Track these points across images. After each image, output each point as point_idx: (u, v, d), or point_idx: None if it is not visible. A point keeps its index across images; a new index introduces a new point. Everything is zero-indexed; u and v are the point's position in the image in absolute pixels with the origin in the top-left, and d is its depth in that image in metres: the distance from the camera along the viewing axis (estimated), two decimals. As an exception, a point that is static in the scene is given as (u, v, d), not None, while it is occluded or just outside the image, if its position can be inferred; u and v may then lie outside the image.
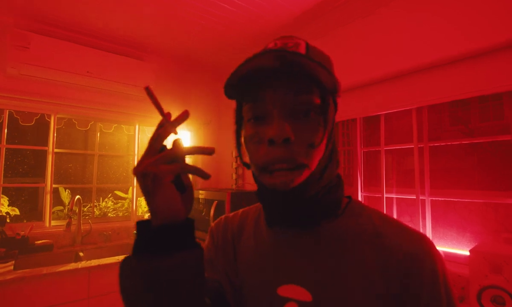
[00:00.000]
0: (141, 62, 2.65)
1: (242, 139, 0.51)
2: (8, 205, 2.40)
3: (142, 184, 0.42)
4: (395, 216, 2.01)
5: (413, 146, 1.82)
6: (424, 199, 1.77)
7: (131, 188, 2.92)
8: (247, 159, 0.51)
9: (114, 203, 2.85)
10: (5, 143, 2.30)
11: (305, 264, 0.48)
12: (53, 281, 1.83)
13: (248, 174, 2.97)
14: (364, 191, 2.12)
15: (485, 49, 1.45)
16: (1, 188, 2.31)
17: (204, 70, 3.24)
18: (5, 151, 2.34)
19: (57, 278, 1.84)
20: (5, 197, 2.38)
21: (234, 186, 3.01)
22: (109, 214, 2.85)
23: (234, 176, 3.01)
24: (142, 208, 2.97)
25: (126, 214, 2.91)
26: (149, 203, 0.43)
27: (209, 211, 2.39)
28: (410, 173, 1.80)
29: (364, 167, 2.14)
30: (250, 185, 2.89)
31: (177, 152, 0.42)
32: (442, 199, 1.76)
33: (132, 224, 2.75)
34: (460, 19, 1.51)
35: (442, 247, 1.70)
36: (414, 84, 1.73)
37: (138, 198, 2.98)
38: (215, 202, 2.49)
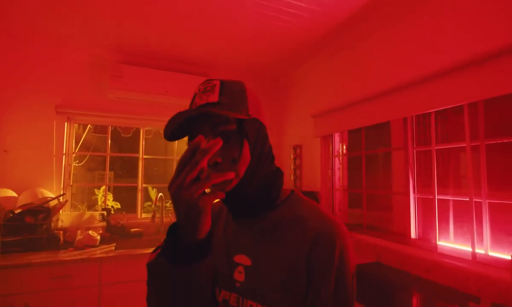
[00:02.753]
0: (206, 78, 3.04)
1: None
2: (113, 200, 3.07)
3: (184, 210, 0.50)
4: (451, 220, 1.89)
5: (465, 145, 1.70)
6: (481, 202, 1.65)
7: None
8: None
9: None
10: (109, 152, 2.97)
11: (250, 240, 0.67)
12: (143, 261, 2.30)
13: (306, 175, 3.09)
14: (419, 192, 2.03)
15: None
16: (107, 187, 2.98)
17: (263, 80, 3.51)
18: (115, 158, 3.00)
19: (146, 259, 2.31)
20: (110, 194, 3.05)
21: (292, 188, 3.17)
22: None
23: (292, 177, 3.18)
24: (212, 205, 3.37)
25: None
26: (188, 224, 0.51)
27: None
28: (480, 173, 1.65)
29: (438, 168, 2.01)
30: (308, 186, 3.01)
31: (218, 177, 0.52)
32: (505, 202, 1.60)
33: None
34: None
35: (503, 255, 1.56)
36: (463, 79, 1.62)
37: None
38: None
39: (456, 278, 1.62)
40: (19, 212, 2.31)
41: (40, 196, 2.48)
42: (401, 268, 1.93)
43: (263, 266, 0.63)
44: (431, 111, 1.85)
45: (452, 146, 1.84)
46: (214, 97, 0.61)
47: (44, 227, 2.39)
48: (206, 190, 0.51)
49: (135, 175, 3.12)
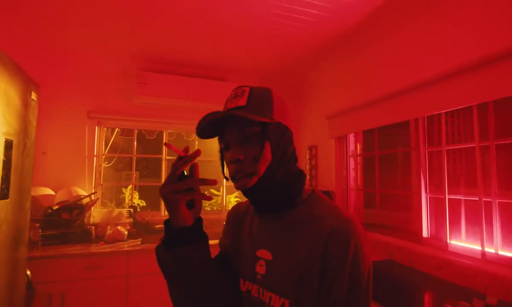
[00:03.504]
0: (223, 82, 3.21)
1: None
2: (139, 198, 3.29)
3: (165, 203, 0.63)
4: (463, 220, 1.91)
5: (474, 145, 1.73)
6: (490, 201, 1.67)
7: (221, 187, 3.51)
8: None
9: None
10: (135, 153, 3.18)
11: (271, 236, 0.72)
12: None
13: (321, 175, 3.16)
14: (432, 192, 2.06)
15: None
16: (133, 186, 3.19)
17: (279, 83, 3.60)
18: (140, 159, 3.22)
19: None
20: (136, 192, 3.27)
21: (308, 187, 3.25)
22: (206, 208, 3.51)
23: (307, 177, 3.25)
24: (231, 203, 3.52)
25: (219, 208, 3.52)
26: (169, 215, 0.65)
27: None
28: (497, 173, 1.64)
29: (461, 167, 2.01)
30: (324, 186, 3.08)
31: (192, 182, 0.62)
32: (516, 201, 1.61)
33: (222, 216, 3.33)
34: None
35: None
36: (474, 80, 1.64)
37: (228, 195, 3.54)
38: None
39: (465, 276, 1.65)
40: (56, 209, 2.55)
41: (74, 194, 2.72)
42: (412, 266, 1.97)
43: (282, 261, 0.68)
44: (442, 111, 1.88)
45: (462, 147, 1.86)
46: (242, 102, 0.68)
47: (78, 222, 2.62)
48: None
49: (159, 175, 3.32)
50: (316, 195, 0.74)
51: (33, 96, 1.17)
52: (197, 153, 0.61)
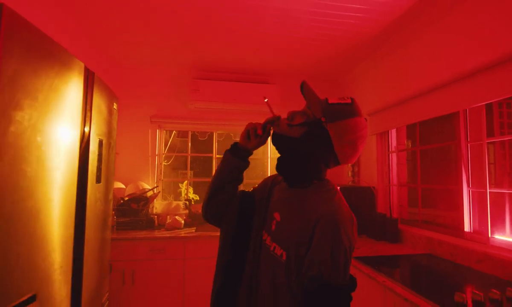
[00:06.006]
0: (267, 85, 3.43)
1: None
2: (193, 193, 3.68)
3: (245, 130, 1.01)
4: (507, 214, 1.87)
5: (515, 138, 1.70)
6: (534, 195, 1.64)
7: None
8: None
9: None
10: (189, 152, 3.56)
11: (284, 204, 0.95)
12: (217, 241, 2.78)
13: (364, 172, 3.21)
14: (476, 186, 2.03)
15: None
16: (188, 182, 3.58)
17: (320, 80, 3.71)
18: (194, 157, 3.60)
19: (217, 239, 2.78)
20: (191, 187, 3.66)
21: (350, 183, 3.32)
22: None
23: (349, 173, 3.32)
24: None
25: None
26: (240, 138, 1.02)
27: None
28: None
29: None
30: (366, 182, 3.13)
31: (257, 125, 1.00)
32: None
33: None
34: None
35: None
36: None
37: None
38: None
39: (506, 269, 1.64)
40: (127, 200, 3.01)
41: (140, 188, 3.18)
42: (453, 260, 1.98)
43: (286, 224, 0.90)
44: (483, 103, 1.86)
45: (503, 139, 1.83)
46: (332, 101, 0.92)
47: (144, 212, 3.06)
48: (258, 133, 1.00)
49: (210, 172, 3.67)
50: (322, 184, 0.94)
51: (115, 106, 1.53)
52: (258, 127, 1.00)
